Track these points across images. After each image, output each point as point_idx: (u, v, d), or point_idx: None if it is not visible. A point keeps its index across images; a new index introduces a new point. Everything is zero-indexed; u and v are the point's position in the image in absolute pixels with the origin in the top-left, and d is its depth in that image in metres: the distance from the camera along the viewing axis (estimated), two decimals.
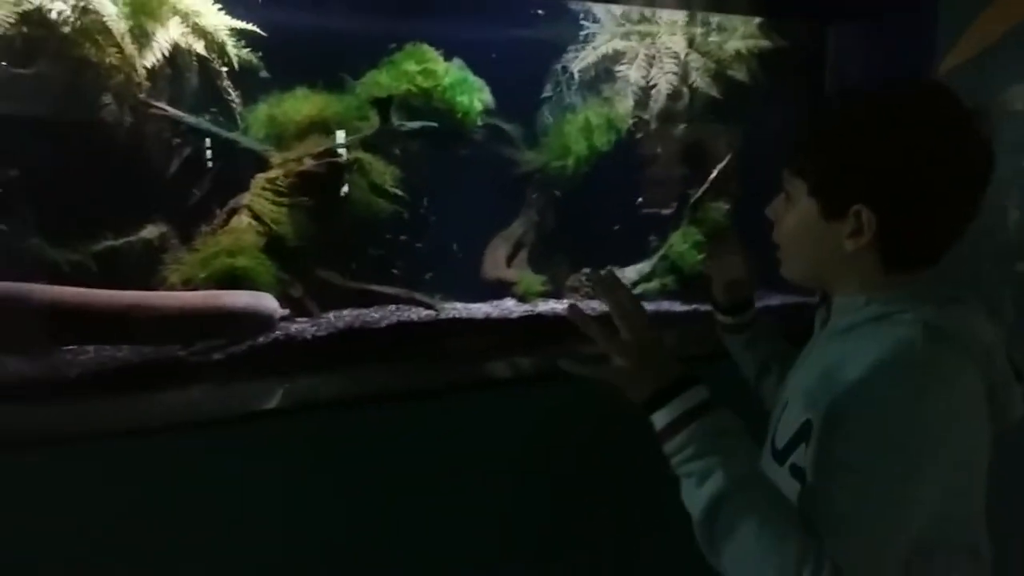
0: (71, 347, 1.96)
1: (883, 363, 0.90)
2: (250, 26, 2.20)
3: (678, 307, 2.56)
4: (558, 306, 2.46)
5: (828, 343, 1.10)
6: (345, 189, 2.31)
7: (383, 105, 2.32)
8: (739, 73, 2.74)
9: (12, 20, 1.88)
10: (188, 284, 2.07)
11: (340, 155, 2.28)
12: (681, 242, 2.64)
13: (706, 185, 2.71)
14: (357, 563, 1.73)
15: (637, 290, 2.57)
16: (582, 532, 1.92)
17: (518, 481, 1.83)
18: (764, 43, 2.73)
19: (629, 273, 2.60)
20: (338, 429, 1.70)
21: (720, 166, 2.72)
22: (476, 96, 2.46)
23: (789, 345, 1.42)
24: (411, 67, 2.40)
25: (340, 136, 2.32)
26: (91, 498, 1.52)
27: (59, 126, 2.02)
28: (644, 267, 2.63)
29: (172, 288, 2.07)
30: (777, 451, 1.08)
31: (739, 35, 2.74)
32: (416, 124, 2.38)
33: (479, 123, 2.50)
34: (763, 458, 1.10)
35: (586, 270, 2.59)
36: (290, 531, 1.66)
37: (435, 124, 2.40)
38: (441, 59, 2.45)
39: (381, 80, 2.39)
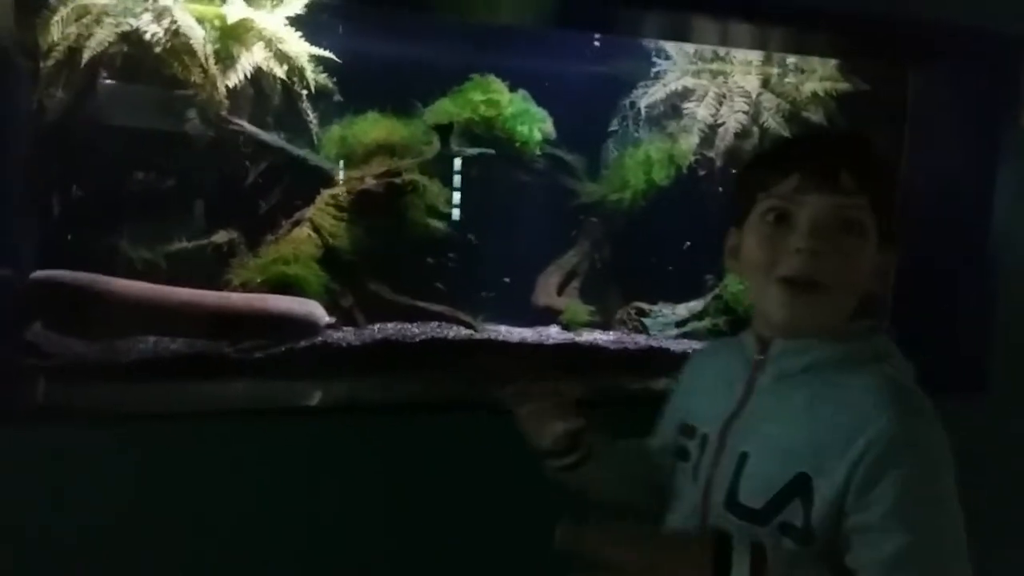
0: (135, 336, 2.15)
1: (902, 412, 0.95)
2: (327, 53, 2.38)
3: None
4: (601, 337, 2.47)
5: (791, 389, 1.06)
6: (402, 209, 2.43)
7: (444, 131, 2.43)
8: (815, 115, 2.67)
9: (112, 39, 2.12)
10: (245, 287, 2.23)
11: (399, 176, 2.40)
12: (736, 283, 2.58)
13: None
14: (349, 560, 1.80)
15: (687, 328, 2.55)
16: None
17: (513, 497, 1.85)
18: (843, 85, 2.65)
19: (680, 311, 2.58)
20: (349, 431, 1.79)
21: None
22: (536, 126, 2.53)
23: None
24: (476, 96, 2.51)
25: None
26: (129, 467, 1.67)
27: (145, 137, 2.25)
28: (696, 305, 2.60)
29: (233, 289, 2.25)
30: (750, 510, 1.01)
31: (817, 76, 2.68)
32: (474, 151, 2.47)
33: (538, 152, 2.56)
34: (705, 511, 1.08)
35: (637, 304, 2.59)
36: (291, 520, 1.76)
37: (492, 151, 2.48)
38: (506, 90, 2.54)
39: (447, 108, 2.50)
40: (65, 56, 2.10)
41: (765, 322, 1.10)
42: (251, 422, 1.79)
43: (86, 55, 2.09)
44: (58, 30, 2.08)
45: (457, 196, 2.49)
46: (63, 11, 2.08)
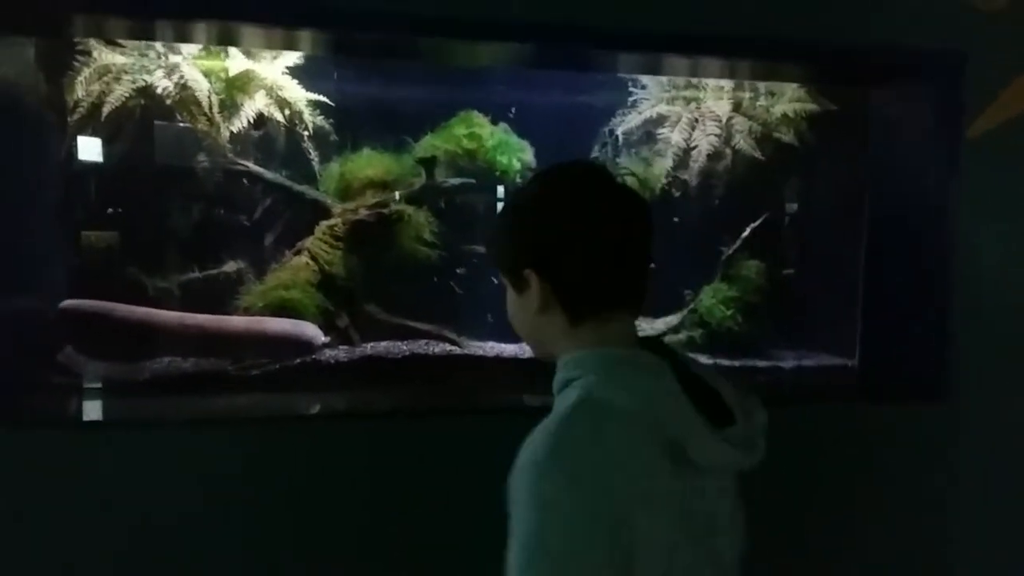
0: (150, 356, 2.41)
1: (538, 435, 0.95)
2: (324, 98, 2.63)
3: (702, 360, 2.63)
4: None
5: None
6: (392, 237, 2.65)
7: (428, 164, 2.65)
8: (785, 135, 2.80)
9: (129, 94, 2.40)
10: (248, 311, 2.47)
11: (388, 207, 2.62)
12: (710, 297, 2.72)
13: (738, 243, 2.78)
14: (337, 551, 1.99)
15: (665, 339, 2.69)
16: None
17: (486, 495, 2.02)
18: (811, 106, 2.78)
19: (659, 325, 2.72)
20: (336, 436, 2.00)
21: (754, 224, 2.78)
22: (515, 156, 2.72)
23: None
24: (460, 131, 2.72)
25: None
26: (144, 469, 1.91)
27: (161, 179, 2.53)
28: (673, 320, 2.74)
29: (239, 314, 2.49)
30: None
31: (787, 99, 2.81)
32: (456, 180, 2.68)
33: (518, 180, 2.75)
34: None
35: None
36: (282, 516, 1.96)
37: (473, 180, 2.69)
38: (488, 124, 2.75)
39: (433, 142, 2.72)
40: (89, 110, 2.39)
41: None
42: (247, 429, 2.01)
43: (106, 108, 2.37)
44: (83, 88, 2.37)
45: (446, 223, 2.69)
46: (86, 71, 2.38)
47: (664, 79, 2.85)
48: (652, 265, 1.06)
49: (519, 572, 0.88)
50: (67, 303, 2.33)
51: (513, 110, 2.80)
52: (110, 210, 2.48)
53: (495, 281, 2.68)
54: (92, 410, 2.12)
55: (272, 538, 1.96)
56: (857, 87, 2.67)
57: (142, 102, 2.45)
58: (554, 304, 1.01)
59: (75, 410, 2.10)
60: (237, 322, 2.41)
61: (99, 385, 2.25)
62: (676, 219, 2.81)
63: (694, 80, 2.85)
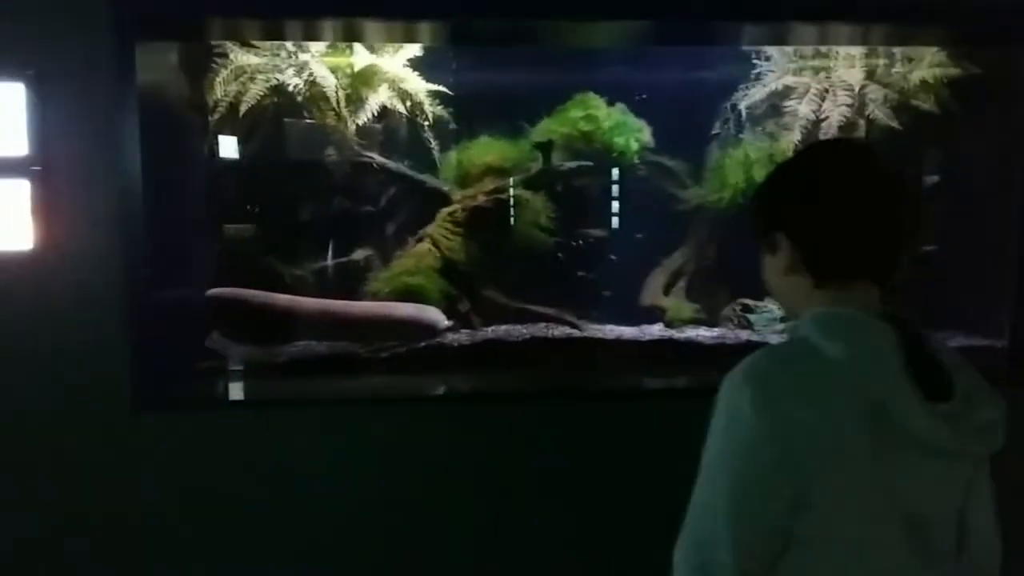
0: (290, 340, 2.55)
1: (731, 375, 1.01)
2: (443, 88, 2.68)
3: None
4: (704, 332, 2.58)
5: None
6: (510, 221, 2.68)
7: (544, 148, 2.65)
8: (925, 103, 2.62)
9: (263, 93, 2.54)
10: (376, 296, 2.57)
11: (506, 192, 2.65)
12: None
13: None
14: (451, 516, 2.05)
15: (781, 326, 2.59)
16: None
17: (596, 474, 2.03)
18: (952, 71, 2.58)
19: (777, 309, 2.62)
20: (459, 415, 2.07)
21: None
22: (633, 136, 2.69)
23: None
24: (576, 113, 2.71)
25: None
26: (285, 444, 2.04)
27: (294, 172, 2.66)
28: None
29: (367, 299, 2.59)
30: None
31: (925, 64, 2.63)
32: (573, 164, 2.68)
33: (636, 161, 2.71)
34: None
35: (742, 300, 2.67)
36: (397, 486, 2.05)
37: (590, 163, 2.67)
38: (604, 105, 2.72)
39: (549, 127, 2.72)
40: (227, 109, 2.54)
41: None
42: (377, 408, 2.11)
43: (243, 107, 2.52)
44: (221, 88, 2.52)
45: (564, 206, 2.69)
46: (224, 72, 2.52)
47: (790, 49, 2.73)
48: (910, 240, 1.09)
49: (703, 470, 1.00)
50: (213, 291, 2.49)
51: (644, 95, 2.77)
52: (248, 204, 2.63)
53: (613, 259, 2.76)
54: (236, 391, 2.28)
55: (403, 511, 2.05)
56: (1003, 47, 2.47)
57: (275, 100, 2.58)
58: (800, 266, 1.06)
59: (222, 391, 2.26)
60: (366, 307, 2.52)
61: (242, 367, 2.41)
62: None
63: (823, 49, 2.72)
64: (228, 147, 2.57)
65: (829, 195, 1.03)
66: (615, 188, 2.77)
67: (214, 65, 2.52)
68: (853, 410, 0.93)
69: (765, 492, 0.95)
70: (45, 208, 1.94)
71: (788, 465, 0.93)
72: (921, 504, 0.98)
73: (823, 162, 1.07)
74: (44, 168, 1.94)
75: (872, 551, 0.96)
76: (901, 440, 0.94)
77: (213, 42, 2.49)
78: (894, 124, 2.63)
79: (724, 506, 0.96)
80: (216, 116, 2.53)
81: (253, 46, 2.54)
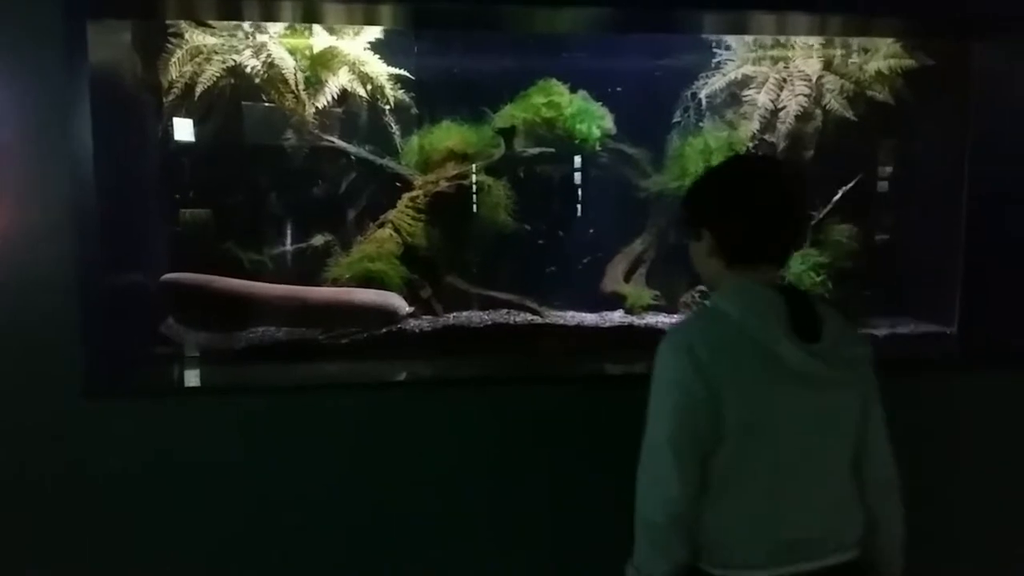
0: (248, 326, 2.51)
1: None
2: (404, 72, 2.65)
3: None
4: (663, 319, 2.61)
5: None
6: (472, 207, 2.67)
7: (507, 134, 2.65)
8: (879, 93, 2.67)
9: (220, 74, 2.48)
10: (336, 282, 2.54)
11: (468, 178, 2.64)
12: (799, 263, 2.63)
13: (829, 206, 2.68)
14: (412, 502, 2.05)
15: None
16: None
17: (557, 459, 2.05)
18: (907, 62, 2.64)
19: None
20: (417, 401, 2.07)
21: (846, 188, 2.68)
22: (595, 123, 2.69)
23: None
24: (538, 100, 2.70)
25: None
26: (241, 431, 2.01)
27: (251, 156, 2.62)
28: None
29: (326, 285, 2.57)
30: None
31: (881, 55, 2.68)
32: (535, 150, 2.68)
33: (598, 148, 2.72)
34: None
35: (700, 287, 2.70)
36: (357, 471, 2.05)
37: (552, 149, 2.67)
38: (567, 92, 2.72)
39: (512, 112, 2.71)
40: (182, 91, 2.48)
41: None
42: (338, 395, 2.09)
43: (199, 89, 2.46)
44: (176, 69, 2.46)
45: (526, 193, 2.69)
46: (179, 52, 2.46)
47: (750, 39, 2.75)
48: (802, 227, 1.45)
49: (649, 417, 1.30)
50: (167, 276, 2.44)
51: (618, 88, 2.78)
52: (205, 188, 2.58)
53: (574, 245, 2.76)
54: (192, 377, 2.24)
55: (364, 497, 2.04)
56: (958, 40, 2.52)
57: (232, 81, 2.53)
58: (717, 252, 1.36)
59: (177, 378, 2.22)
60: (326, 293, 2.49)
61: (198, 354, 2.37)
62: None
63: (782, 39, 2.75)
64: (184, 129, 2.51)
65: (739, 203, 1.34)
66: (577, 175, 2.78)
67: (169, 45, 2.46)
68: (749, 354, 1.26)
69: (693, 419, 1.25)
70: None
71: (708, 397, 1.24)
72: (816, 427, 1.28)
73: (737, 176, 1.39)
74: None
75: (777, 473, 1.26)
76: (787, 375, 1.25)
77: (168, 21, 2.43)
78: (849, 114, 2.67)
79: (666, 433, 1.26)
80: (171, 97, 2.47)
81: (209, 26, 2.48)
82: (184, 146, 2.53)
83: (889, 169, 2.78)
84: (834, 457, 1.31)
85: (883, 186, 2.79)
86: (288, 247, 2.67)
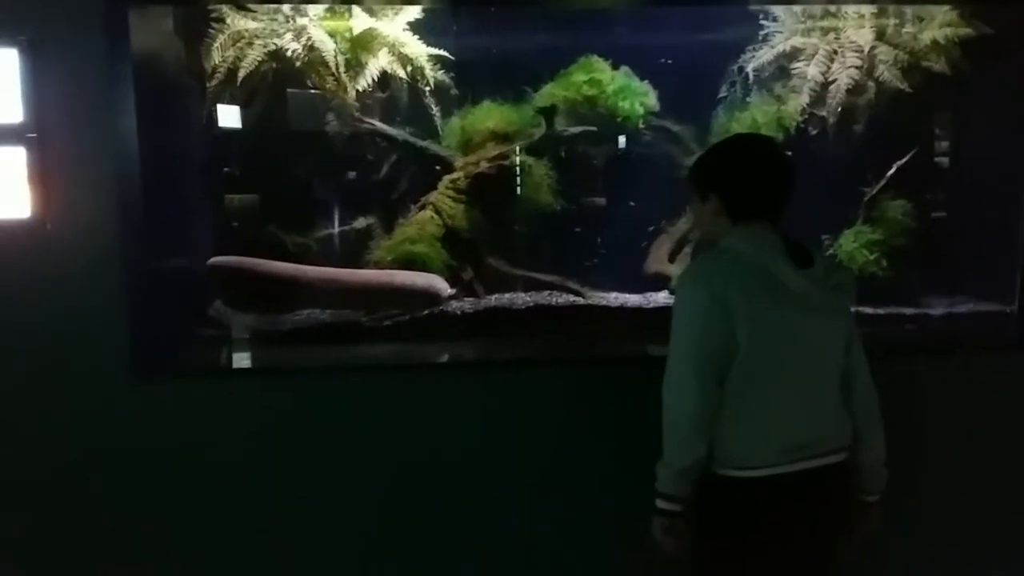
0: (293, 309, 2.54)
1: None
2: (444, 52, 2.63)
3: None
4: None
5: None
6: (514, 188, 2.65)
7: (547, 113, 2.61)
8: (935, 64, 2.57)
9: (261, 58, 2.50)
10: (378, 264, 2.55)
11: (508, 158, 2.61)
12: (851, 241, 2.55)
13: (883, 182, 2.59)
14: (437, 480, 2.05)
15: None
16: None
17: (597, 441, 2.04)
18: (965, 31, 2.52)
19: None
20: (458, 383, 2.06)
21: (900, 162, 2.58)
22: (638, 100, 2.64)
23: None
24: (580, 77, 2.66)
25: None
26: (287, 411, 2.03)
27: (295, 139, 2.63)
28: None
29: (370, 267, 2.58)
30: None
31: (936, 24, 2.57)
32: (577, 129, 2.64)
33: (641, 125, 2.67)
34: None
35: None
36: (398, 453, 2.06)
37: (594, 128, 2.63)
38: (608, 68, 2.67)
39: (553, 91, 2.68)
40: (226, 75, 2.50)
41: None
42: (384, 376, 2.10)
43: (241, 73, 2.48)
44: (219, 54, 2.48)
45: (568, 173, 2.66)
46: (221, 37, 2.48)
47: (798, 9, 2.66)
48: (790, 191, 1.56)
49: (673, 338, 1.51)
50: (214, 260, 2.48)
51: (668, 60, 2.73)
52: (249, 172, 2.60)
53: (617, 225, 2.71)
54: (241, 359, 2.27)
55: (406, 479, 2.05)
56: (1017, 6, 2.40)
57: (274, 65, 2.54)
58: (723, 211, 1.56)
59: (225, 360, 2.25)
60: (369, 275, 2.50)
61: (246, 336, 2.40)
62: (813, 159, 2.63)
63: (832, 8, 2.65)
64: (227, 114, 2.53)
65: (744, 170, 1.56)
66: (620, 153, 2.73)
67: (210, 30, 2.48)
68: (759, 283, 1.46)
69: (713, 339, 1.45)
70: (42, 175, 1.92)
71: (724, 320, 1.44)
72: (813, 346, 1.49)
73: (740, 148, 1.62)
74: (40, 135, 1.91)
75: (782, 385, 1.47)
76: (790, 299, 1.46)
77: (209, 6, 2.44)
78: (903, 86, 2.58)
79: (691, 352, 1.47)
80: (214, 83, 2.49)
81: (250, 10, 2.49)
82: (227, 131, 2.55)
83: (946, 143, 2.68)
84: (828, 371, 1.53)
85: (940, 161, 2.68)
86: (331, 230, 2.69)
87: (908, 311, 2.52)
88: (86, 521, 2.02)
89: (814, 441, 1.49)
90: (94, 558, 2.03)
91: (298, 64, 2.53)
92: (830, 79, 2.64)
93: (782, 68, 2.71)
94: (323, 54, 2.52)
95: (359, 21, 2.56)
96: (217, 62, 2.48)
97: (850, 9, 2.64)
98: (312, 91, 2.57)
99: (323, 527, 2.05)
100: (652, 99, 2.68)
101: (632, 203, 2.75)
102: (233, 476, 2.02)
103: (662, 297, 2.60)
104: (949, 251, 2.64)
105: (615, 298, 2.59)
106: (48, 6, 1.90)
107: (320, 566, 2.06)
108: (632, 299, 2.58)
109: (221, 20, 2.48)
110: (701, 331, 1.45)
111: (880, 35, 2.64)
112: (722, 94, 2.76)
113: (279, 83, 2.57)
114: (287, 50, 2.51)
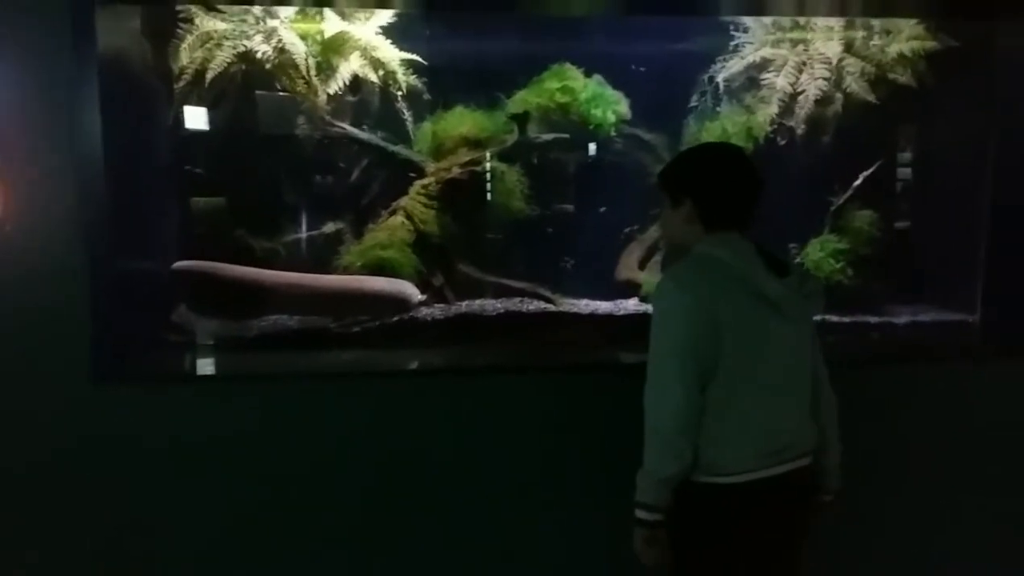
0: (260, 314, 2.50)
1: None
2: (417, 57, 2.62)
3: None
4: None
5: None
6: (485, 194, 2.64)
7: (520, 120, 2.61)
8: (901, 76, 2.61)
9: (230, 60, 2.46)
10: (348, 270, 2.52)
11: (480, 165, 2.61)
12: (818, 250, 2.58)
13: (849, 192, 2.62)
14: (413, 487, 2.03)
15: None
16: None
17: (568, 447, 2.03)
18: (930, 44, 2.57)
19: None
20: (427, 390, 2.04)
21: (866, 173, 2.62)
22: (610, 109, 2.65)
23: None
24: (552, 85, 2.66)
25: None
26: (253, 418, 2.00)
27: (263, 142, 2.59)
28: None
29: (339, 273, 2.55)
30: None
31: (903, 37, 2.61)
32: (549, 136, 2.64)
33: (613, 133, 2.68)
34: None
35: None
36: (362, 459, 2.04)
37: (567, 135, 2.63)
38: (581, 76, 2.68)
39: (526, 98, 2.67)
40: (193, 77, 2.46)
41: None
42: (348, 383, 2.07)
43: (210, 74, 2.44)
44: (187, 54, 2.44)
45: (540, 179, 2.66)
46: (190, 38, 2.44)
47: (768, 21, 2.69)
48: (757, 206, 1.57)
49: (652, 342, 1.49)
50: (179, 264, 2.43)
51: (634, 72, 2.74)
52: (214, 175, 2.56)
53: (588, 233, 2.71)
54: (205, 365, 2.23)
55: (375, 486, 2.03)
56: (982, 21, 2.45)
57: (243, 67, 2.51)
58: (696, 219, 1.56)
59: (189, 365, 2.21)
60: (337, 281, 2.47)
61: (211, 342, 2.36)
62: (781, 168, 2.65)
63: (801, 20, 2.69)
64: (195, 116, 2.50)
65: (719, 178, 1.56)
66: (591, 161, 2.74)
67: (179, 31, 2.44)
68: (740, 290, 1.47)
69: (697, 343, 1.44)
70: (4, 176, 1.87)
71: (709, 324, 1.45)
72: (789, 352, 1.52)
73: (714, 156, 1.62)
74: (2, 135, 1.86)
75: (762, 391, 1.48)
76: (768, 306, 1.48)
77: (177, 6, 2.40)
78: (870, 98, 2.61)
79: (674, 355, 1.46)
80: (181, 84, 2.45)
81: (219, 11, 2.46)
82: (195, 133, 2.51)
83: (911, 155, 2.72)
84: (801, 377, 1.57)
85: (905, 172, 2.73)
86: (299, 235, 2.66)
87: (873, 319, 2.56)
88: (48, 524, 1.97)
89: (790, 445, 1.51)
90: (59, 561, 1.99)
91: (268, 66, 2.50)
92: (799, 90, 2.68)
93: (752, 79, 2.74)
94: (294, 56, 2.49)
95: (331, 24, 2.55)
96: (185, 63, 2.44)
97: (819, 21, 2.68)
98: (282, 94, 2.55)
99: (288, 536, 2.02)
100: (624, 107, 2.69)
101: (603, 210, 2.76)
102: (197, 483, 1.98)
103: (632, 304, 2.61)
104: (913, 261, 2.68)
105: (585, 305, 2.59)
106: (12, 4, 1.85)
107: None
108: (603, 306, 2.58)
109: (190, 20, 2.44)
110: (686, 334, 1.44)
111: (848, 47, 2.68)
112: (693, 103, 2.78)
113: (248, 85, 2.53)
114: (257, 52, 2.48)
